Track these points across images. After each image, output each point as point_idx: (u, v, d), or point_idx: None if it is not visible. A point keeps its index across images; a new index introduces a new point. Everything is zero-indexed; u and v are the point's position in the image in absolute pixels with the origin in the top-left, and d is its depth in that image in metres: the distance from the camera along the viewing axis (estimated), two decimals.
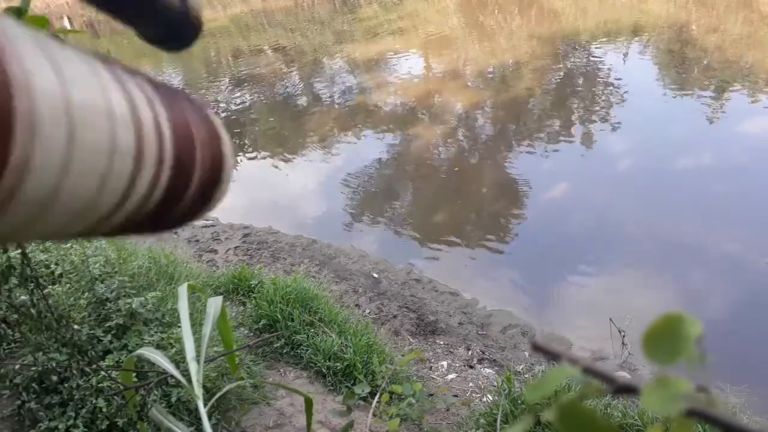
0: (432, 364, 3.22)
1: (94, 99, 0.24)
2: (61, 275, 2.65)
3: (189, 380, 1.12)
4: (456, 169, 5.78)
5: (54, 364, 1.96)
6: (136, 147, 0.25)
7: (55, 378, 2.01)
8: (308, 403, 1.14)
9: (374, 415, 2.07)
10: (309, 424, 1.08)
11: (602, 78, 7.29)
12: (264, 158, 6.80)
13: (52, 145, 0.21)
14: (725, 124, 5.61)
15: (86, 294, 2.50)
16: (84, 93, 0.23)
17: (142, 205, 0.27)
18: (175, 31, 0.33)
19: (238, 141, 7.46)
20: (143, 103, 0.27)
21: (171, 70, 12.00)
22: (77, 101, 0.23)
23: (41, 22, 0.79)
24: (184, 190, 0.30)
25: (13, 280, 1.14)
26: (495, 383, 2.86)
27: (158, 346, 2.28)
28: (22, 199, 0.21)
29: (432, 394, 2.76)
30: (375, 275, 4.16)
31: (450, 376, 3.12)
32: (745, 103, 5.85)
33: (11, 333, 2.00)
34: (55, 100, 0.21)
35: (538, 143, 5.91)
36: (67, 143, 0.22)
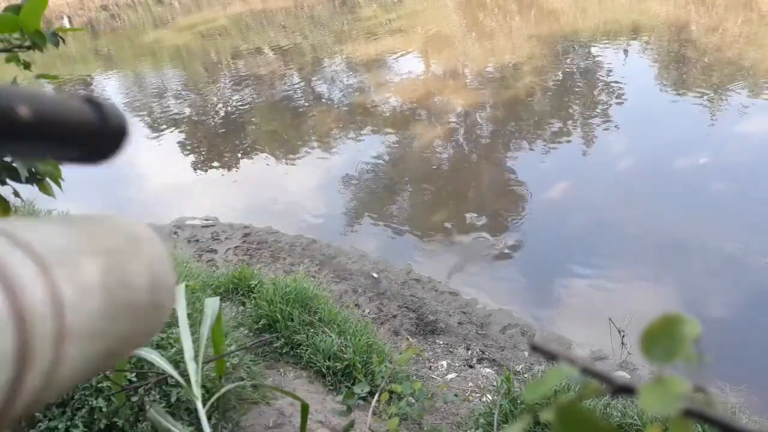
0: (432, 364, 3.22)
1: None
2: None
3: (188, 380, 1.12)
4: (456, 168, 5.78)
5: None
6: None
7: None
8: (304, 410, 1.14)
9: (374, 414, 2.07)
10: (303, 430, 1.09)
11: (602, 78, 7.29)
12: (264, 158, 6.80)
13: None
14: (725, 124, 5.61)
15: None
16: None
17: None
18: (93, 148, 0.29)
19: (238, 141, 7.46)
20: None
21: (171, 70, 12.00)
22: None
23: (41, 3, 0.79)
24: None
25: None
26: (494, 383, 2.86)
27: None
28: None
29: (432, 394, 2.76)
30: (375, 275, 4.16)
31: (450, 376, 3.12)
32: (745, 103, 5.85)
33: None
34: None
35: (538, 143, 5.91)
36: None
